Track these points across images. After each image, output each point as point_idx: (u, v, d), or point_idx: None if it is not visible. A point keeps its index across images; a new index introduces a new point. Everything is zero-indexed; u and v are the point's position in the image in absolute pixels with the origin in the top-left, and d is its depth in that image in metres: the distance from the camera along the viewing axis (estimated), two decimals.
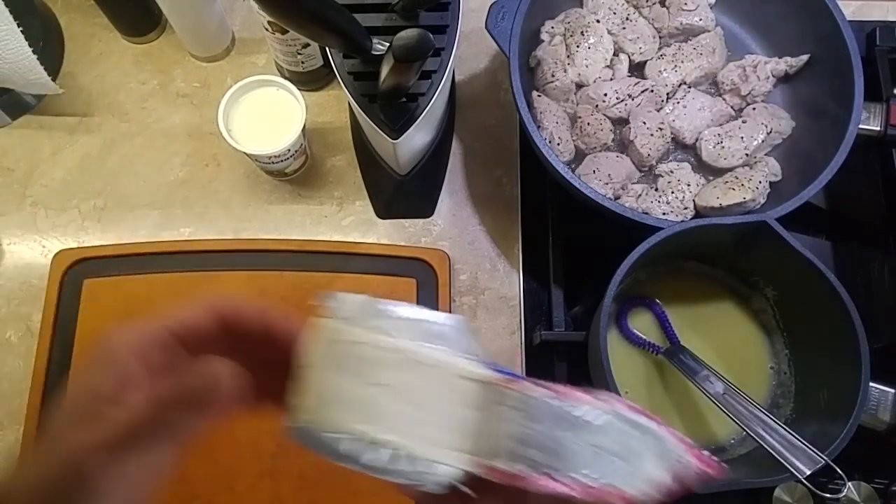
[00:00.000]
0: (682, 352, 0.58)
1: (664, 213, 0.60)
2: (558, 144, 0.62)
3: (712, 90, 0.68)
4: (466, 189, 0.72)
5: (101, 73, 0.75)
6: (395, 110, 0.53)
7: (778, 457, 0.47)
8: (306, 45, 0.66)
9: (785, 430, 0.48)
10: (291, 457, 0.61)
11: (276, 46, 0.67)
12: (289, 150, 0.62)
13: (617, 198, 0.62)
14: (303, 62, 0.69)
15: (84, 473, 0.24)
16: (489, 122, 0.74)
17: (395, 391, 0.26)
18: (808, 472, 0.45)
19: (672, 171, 0.63)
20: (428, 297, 0.66)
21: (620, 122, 0.65)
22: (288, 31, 0.64)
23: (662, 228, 0.54)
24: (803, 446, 0.47)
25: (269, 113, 0.63)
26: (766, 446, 0.48)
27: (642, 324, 0.62)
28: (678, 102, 0.65)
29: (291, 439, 0.27)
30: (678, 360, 0.57)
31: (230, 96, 0.62)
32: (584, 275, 0.66)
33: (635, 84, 0.65)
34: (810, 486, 0.46)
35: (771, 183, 0.62)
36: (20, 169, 0.71)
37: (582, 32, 0.66)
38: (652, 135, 0.62)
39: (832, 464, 0.46)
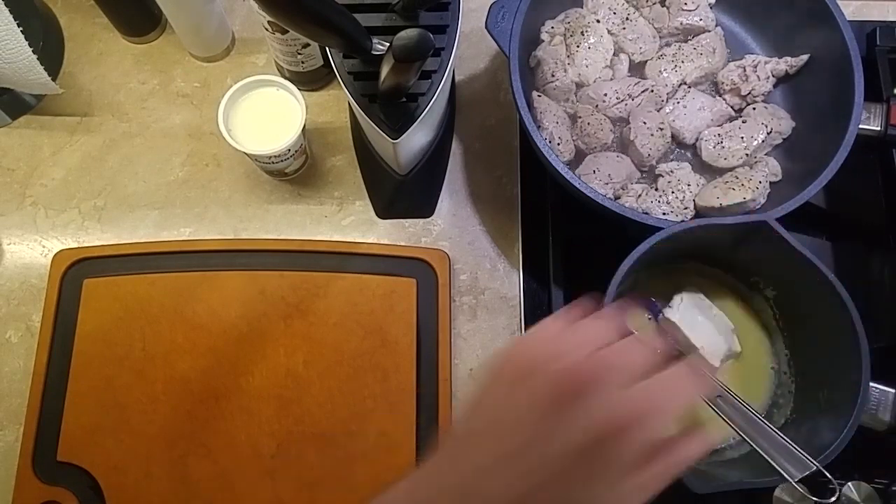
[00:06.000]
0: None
1: (664, 213, 0.60)
2: (558, 144, 0.62)
3: (712, 90, 0.68)
4: (466, 189, 0.72)
5: (101, 73, 0.75)
6: (395, 110, 0.53)
7: (770, 460, 0.47)
8: (306, 45, 0.66)
9: (777, 434, 0.48)
10: (291, 457, 0.61)
11: (276, 46, 0.67)
12: (289, 150, 0.62)
13: (617, 198, 0.62)
14: (303, 62, 0.69)
15: None
16: (489, 122, 0.74)
17: None
18: (799, 477, 0.45)
19: (672, 171, 0.63)
20: (428, 296, 0.66)
21: (620, 122, 0.65)
22: (288, 31, 0.64)
23: (662, 228, 0.54)
24: (795, 451, 0.47)
25: (269, 113, 0.63)
26: (758, 449, 0.48)
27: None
28: (678, 102, 0.65)
29: None
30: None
31: (230, 96, 0.62)
32: (584, 275, 0.66)
33: (635, 84, 0.65)
34: (801, 489, 0.46)
35: (771, 183, 0.62)
36: (20, 169, 0.71)
37: (582, 32, 0.66)
38: (652, 135, 0.62)
39: (823, 469, 0.46)
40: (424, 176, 0.69)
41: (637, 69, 0.68)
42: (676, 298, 0.60)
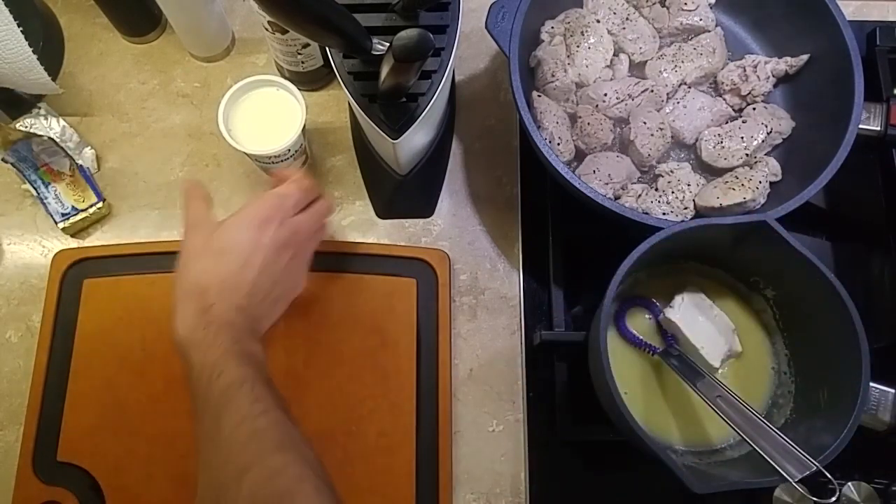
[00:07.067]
0: (678, 353, 0.58)
1: (664, 213, 0.60)
2: (558, 144, 0.62)
3: (712, 90, 0.68)
4: (466, 189, 0.72)
5: (101, 73, 0.75)
6: (395, 110, 0.53)
7: (769, 460, 0.47)
8: (306, 45, 0.66)
9: (777, 434, 0.48)
10: None
11: (276, 46, 0.67)
12: (289, 150, 0.62)
13: (617, 198, 0.62)
14: (303, 62, 0.69)
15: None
16: (489, 122, 0.74)
17: None
18: (799, 477, 0.45)
19: (672, 171, 0.63)
20: (428, 296, 0.66)
21: (620, 122, 0.65)
22: (288, 31, 0.64)
23: (662, 228, 0.54)
24: (795, 451, 0.47)
25: (269, 113, 0.63)
26: (757, 449, 0.48)
27: (641, 324, 0.62)
28: (678, 102, 0.65)
29: None
30: (674, 360, 0.57)
31: (230, 96, 0.62)
32: (584, 275, 0.66)
33: (635, 84, 0.65)
34: (801, 489, 0.46)
35: (771, 183, 0.62)
36: None
37: (582, 32, 0.66)
38: (652, 135, 0.62)
39: (823, 469, 0.46)
40: (424, 176, 0.69)
41: (637, 69, 0.68)
42: (677, 298, 0.60)
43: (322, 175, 0.72)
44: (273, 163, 0.64)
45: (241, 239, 0.50)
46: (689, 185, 0.62)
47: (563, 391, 0.63)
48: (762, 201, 0.61)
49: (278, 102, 0.63)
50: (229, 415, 0.43)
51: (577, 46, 0.65)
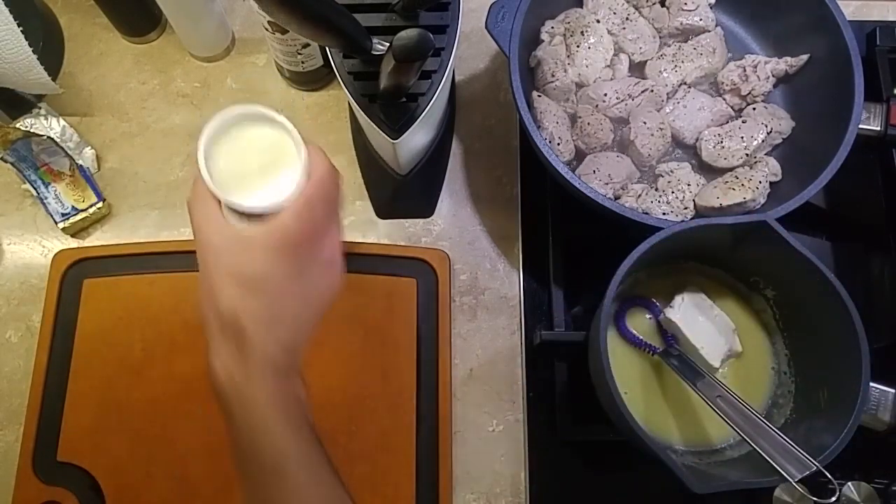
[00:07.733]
0: (678, 353, 0.58)
1: (664, 213, 0.60)
2: (558, 144, 0.62)
3: (712, 90, 0.68)
4: (466, 189, 0.72)
5: (101, 73, 0.75)
6: (395, 110, 0.53)
7: (769, 460, 0.47)
8: (306, 45, 0.66)
9: (777, 434, 0.48)
10: None
11: (276, 46, 0.67)
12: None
13: (617, 198, 0.62)
14: (303, 62, 0.69)
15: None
16: (489, 122, 0.74)
17: None
18: (799, 477, 0.45)
19: (672, 171, 0.63)
20: (428, 296, 0.66)
21: (620, 122, 0.65)
22: (288, 31, 0.64)
23: (662, 228, 0.54)
24: (795, 451, 0.47)
25: (260, 158, 0.43)
26: (757, 449, 0.48)
27: (641, 324, 0.62)
28: (678, 102, 0.65)
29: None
30: (674, 360, 0.57)
31: (210, 138, 0.40)
32: (584, 275, 0.66)
33: (635, 84, 0.65)
34: (801, 489, 0.46)
35: (771, 183, 0.62)
36: None
37: (582, 32, 0.66)
38: (652, 135, 0.62)
39: (823, 469, 0.46)
40: (424, 176, 0.69)
41: (637, 69, 0.68)
42: (678, 298, 0.60)
43: None
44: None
45: (274, 271, 0.42)
46: (689, 185, 0.62)
47: (563, 391, 0.63)
48: (762, 201, 0.61)
49: (273, 147, 0.44)
50: (280, 486, 0.41)
51: (577, 46, 0.65)
